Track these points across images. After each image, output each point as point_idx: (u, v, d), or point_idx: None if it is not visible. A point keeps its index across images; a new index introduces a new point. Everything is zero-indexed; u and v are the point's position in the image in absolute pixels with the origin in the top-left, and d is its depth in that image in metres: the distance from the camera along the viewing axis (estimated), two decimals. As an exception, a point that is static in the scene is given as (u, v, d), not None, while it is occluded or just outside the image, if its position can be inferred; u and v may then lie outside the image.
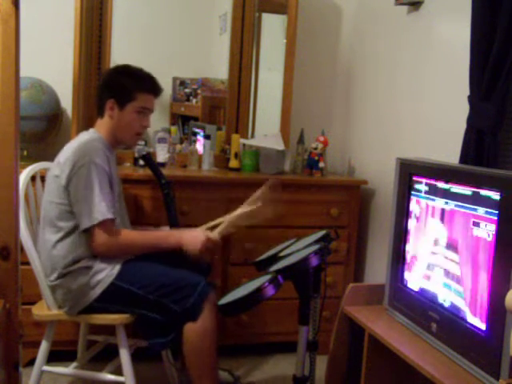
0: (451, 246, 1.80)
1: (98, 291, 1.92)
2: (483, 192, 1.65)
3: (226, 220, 2.07)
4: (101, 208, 1.87)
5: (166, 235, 2.05)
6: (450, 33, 2.26)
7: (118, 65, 2.21)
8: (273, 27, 3.04)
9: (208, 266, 2.25)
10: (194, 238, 1.99)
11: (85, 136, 2.02)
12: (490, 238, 1.60)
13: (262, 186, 2.11)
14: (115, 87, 2.04)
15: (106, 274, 1.93)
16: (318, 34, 3.10)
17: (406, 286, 2.06)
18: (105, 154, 1.95)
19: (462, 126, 1.98)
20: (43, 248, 1.96)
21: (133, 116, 2.03)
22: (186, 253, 1.99)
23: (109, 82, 2.08)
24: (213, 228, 2.09)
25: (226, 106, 2.92)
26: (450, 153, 2.09)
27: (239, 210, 2.07)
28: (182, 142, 2.95)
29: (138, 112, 2.04)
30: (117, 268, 1.95)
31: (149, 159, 2.27)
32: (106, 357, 2.20)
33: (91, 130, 2.06)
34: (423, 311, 1.91)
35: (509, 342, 1.50)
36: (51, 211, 1.94)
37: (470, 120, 1.95)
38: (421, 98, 2.44)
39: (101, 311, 1.95)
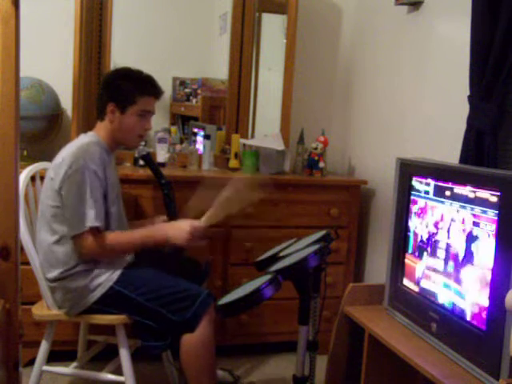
0: (451, 246, 1.80)
1: (97, 294, 1.92)
2: (483, 192, 1.65)
3: (209, 211, 2.02)
4: (90, 216, 1.86)
5: (151, 233, 2.00)
6: (450, 33, 2.26)
7: (117, 68, 2.20)
8: (273, 27, 3.04)
9: (207, 267, 2.25)
10: (179, 230, 1.95)
11: (83, 139, 2.01)
12: (490, 238, 1.60)
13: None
14: (115, 91, 2.03)
15: (106, 277, 1.93)
16: (318, 34, 3.10)
17: (406, 286, 2.06)
18: (101, 159, 1.94)
19: (462, 126, 1.98)
20: (40, 247, 1.96)
21: (134, 119, 2.03)
22: (174, 245, 1.96)
23: (109, 86, 2.07)
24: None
25: (226, 105, 2.92)
26: (450, 153, 2.09)
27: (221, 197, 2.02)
28: (182, 142, 2.95)
29: (139, 115, 2.03)
30: (117, 272, 1.95)
31: (149, 159, 2.27)
32: (106, 357, 2.20)
33: (90, 133, 2.05)
34: (423, 311, 1.91)
35: (509, 342, 1.50)
36: (47, 213, 1.94)
37: (470, 120, 1.95)
38: (421, 98, 2.44)
39: (99, 313, 1.95)
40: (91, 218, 1.86)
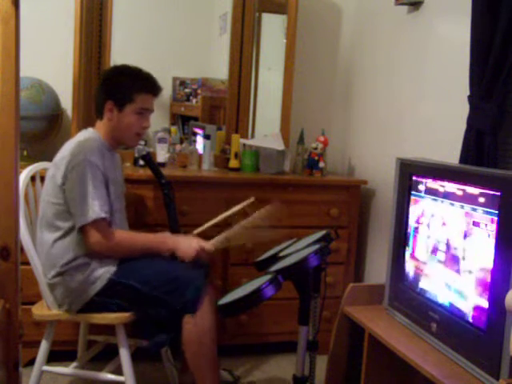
0: (451, 245, 1.80)
1: (97, 286, 1.92)
2: (483, 192, 1.65)
3: (222, 234, 2.10)
4: (94, 207, 1.87)
5: (161, 240, 2.04)
6: (449, 33, 2.26)
7: (116, 65, 2.20)
8: (273, 27, 3.04)
9: (206, 266, 2.25)
10: (188, 246, 2.00)
11: (83, 135, 2.02)
12: (490, 238, 1.60)
13: (267, 206, 2.14)
14: (113, 89, 2.03)
15: (105, 269, 1.94)
16: (318, 34, 3.10)
17: (406, 285, 2.06)
18: (101, 153, 1.95)
19: (462, 126, 1.98)
20: (41, 248, 1.96)
21: (132, 117, 2.03)
22: (179, 258, 2.00)
23: (107, 84, 2.07)
24: (210, 238, 2.11)
25: (226, 105, 2.92)
26: (449, 153, 2.09)
27: (237, 226, 2.08)
28: (182, 142, 2.95)
29: (137, 113, 2.03)
30: (116, 263, 1.96)
31: (149, 159, 2.27)
32: (106, 357, 2.20)
33: (90, 130, 2.06)
34: (423, 311, 1.91)
35: (509, 342, 1.50)
36: (49, 211, 1.95)
37: (470, 120, 1.95)
38: (421, 97, 2.44)
39: (100, 308, 1.95)
40: (96, 210, 1.87)
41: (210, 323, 1.92)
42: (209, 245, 2.02)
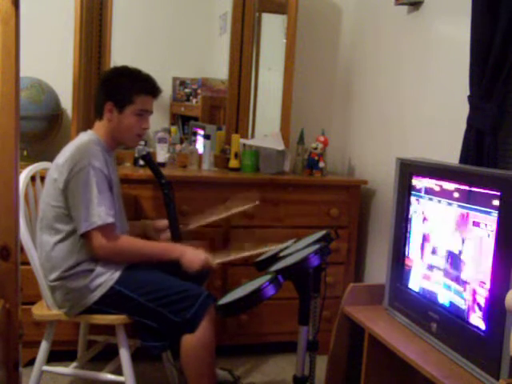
0: (451, 246, 1.80)
1: (97, 294, 1.92)
2: (483, 192, 1.65)
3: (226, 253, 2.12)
4: (99, 212, 1.86)
5: (167, 248, 2.03)
6: (450, 33, 2.26)
7: (116, 66, 2.20)
8: (273, 27, 3.04)
9: (206, 275, 2.25)
10: (194, 257, 1.98)
11: (83, 138, 2.02)
12: (490, 238, 1.60)
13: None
14: (114, 90, 2.03)
15: (106, 277, 1.92)
16: (318, 33, 3.10)
17: (406, 286, 2.06)
18: (103, 157, 1.95)
19: (462, 126, 1.99)
20: (41, 249, 1.96)
21: (132, 119, 2.02)
22: (182, 267, 1.99)
23: (107, 85, 2.06)
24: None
25: (226, 105, 2.92)
26: (450, 153, 2.09)
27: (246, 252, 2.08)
28: (182, 142, 2.95)
29: (137, 114, 2.03)
30: (118, 272, 1.94)
31: (149, 159, 2.27)
32: (106, 357, 2.20)
33: (89, 132, 2.05)
34: (423, 311, 1.91)
35: (509, 341, 1.50)
36: (48, 213, 1.94)
37: (470, 120, 1.95)
38: (421, 97, 2.44)
39: (99, 313, 1.95)
40: (102, 215, 1.86)
41: (209, 338, 1.90)
42: (214, 262, 2.02)
